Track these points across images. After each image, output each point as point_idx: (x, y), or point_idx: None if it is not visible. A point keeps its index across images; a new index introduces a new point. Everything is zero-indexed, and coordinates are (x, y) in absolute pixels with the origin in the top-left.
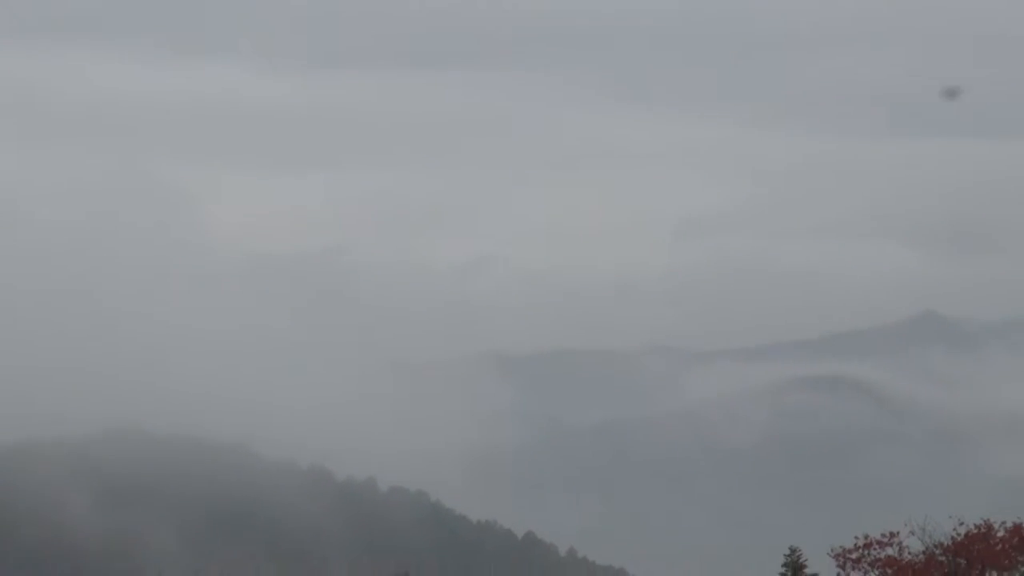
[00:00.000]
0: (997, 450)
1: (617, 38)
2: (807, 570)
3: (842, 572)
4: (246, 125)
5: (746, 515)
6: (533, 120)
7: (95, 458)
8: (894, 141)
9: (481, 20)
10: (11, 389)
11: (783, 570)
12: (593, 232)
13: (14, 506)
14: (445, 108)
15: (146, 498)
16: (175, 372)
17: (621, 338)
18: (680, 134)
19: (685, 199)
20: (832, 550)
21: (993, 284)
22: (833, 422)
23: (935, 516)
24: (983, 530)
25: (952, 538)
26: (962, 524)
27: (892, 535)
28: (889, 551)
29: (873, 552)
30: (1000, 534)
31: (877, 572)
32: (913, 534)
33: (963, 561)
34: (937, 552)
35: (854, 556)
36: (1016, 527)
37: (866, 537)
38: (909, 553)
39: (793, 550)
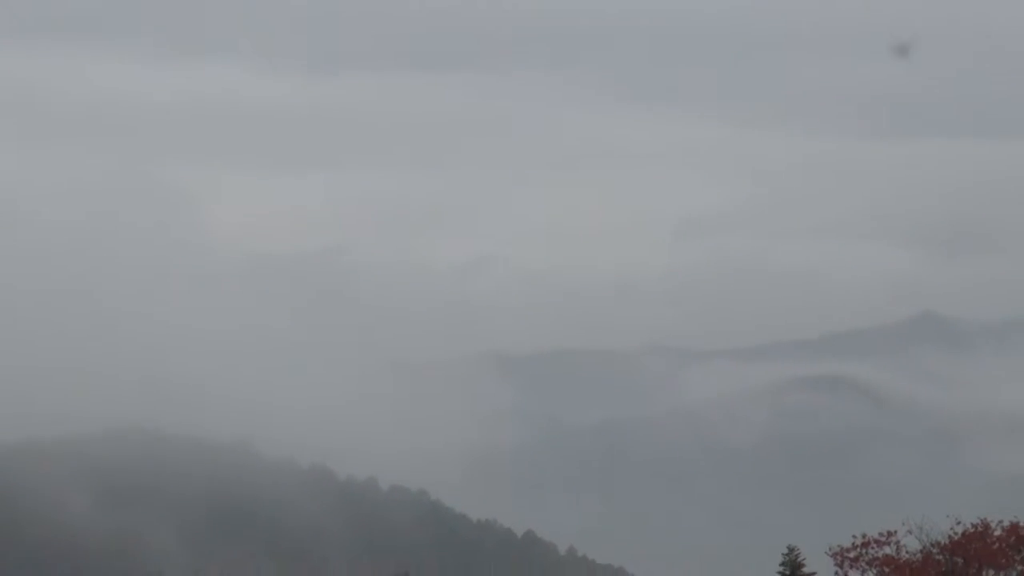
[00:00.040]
0: (994, 449)
1: (617, 38)
2: (805, 569)
3: (840, 571)
4: (246, 125)
5: (745, 514)
6: (533, 120)
7: (96, 457)
8: (893, 141)
9: (481, 20)
10: (12, 389)
11: (781, 569)
12: (593, 232)
13: (15, 505)
14: (445, 108)
15: (147, 497)
16: (175, 372)
17: (621, 338)
18: (680, 134)
19: (685, 199)
20: (830, 549)
21: (991, 284)
22: (832, 422)
23: (932, 515)
24: (980, 529)
25: (949, 537)
26: (959, 523)
27: (890, 534)
28: (887, 550)
29: (871, 551)
30: (997, 533)
31: (875, 571)
32: (911, 533)
33: (960, 560)
34: (934, 551)
35: (852, 555)
36: (1013, 526)
37: (864, 536)
38: (906, 552)
39: (791, 549)
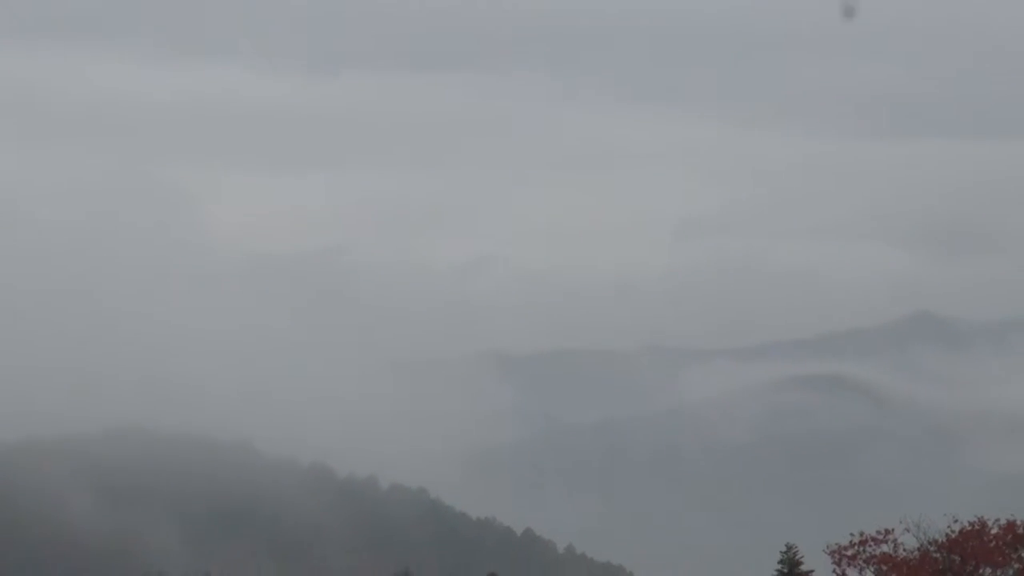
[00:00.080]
0: (991, 448)
1: (617, 38)
2: (803, 567)
3: (837, 569)
4: (246, 125)
5: (743, 513)
6: (533, 120)
7: (96, 457)
8: (893, 141)
9: (481, 21)
10: (12, 388)
11: (779, 567)
12: (593, 232)
13: (16, 505)
14: (445, 108)
15: (147, 496)
16: (176, 371)
17: (620, 338)
18: (680, 134)
19: (685, 199)
20: (827, 547)
21: (990, 284)
22: (830, 421)
23: (930, 514)
24: (977, 527)
25: (946, 535)
26: (956, 521)
27: (887, 532)
28: (884, 548)
29: (868, 549)
30: (994, 531)
31: (872, 569)
32: (908, 531)
33: (957, 558)
34: (931, 549)
35: (849, 553)
36: (1010, 524)
37: (861, 534)
38: (904, 550)
39: (789, 547)
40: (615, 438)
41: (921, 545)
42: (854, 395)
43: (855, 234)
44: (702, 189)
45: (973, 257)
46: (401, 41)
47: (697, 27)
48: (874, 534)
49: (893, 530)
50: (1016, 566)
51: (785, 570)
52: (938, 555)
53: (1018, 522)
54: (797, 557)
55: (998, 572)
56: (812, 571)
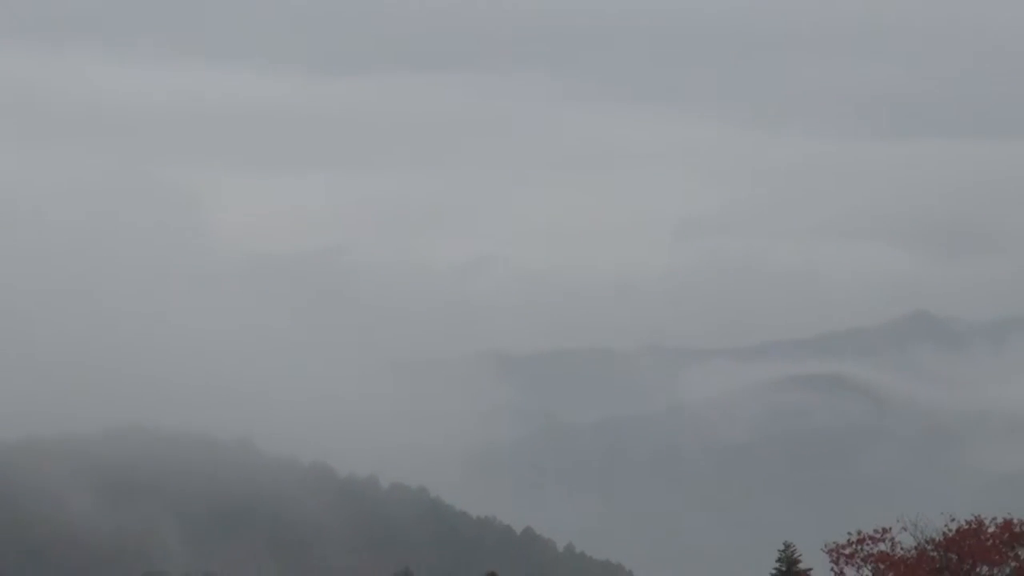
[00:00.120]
0: (987, 447)
1: (617, 38)
2: (801, 565)
3: (835, 567)
4: (246, 125)
5: (742, 512)
6: (533, 120)
7: (97, 456)
8: (893, 141)
9: (481, 21)
10: (14, 388)
11: (777, 565)
12: (593, 232)
13: (16, 504)
14: (445, 108)
15: (148, 495)
16: (177, 370)
17: (620, 337)
18: (680, 134)
19: (685, 199)
20: (825, 545)
21: (988, 284)
22: (829, 420)
23: (927, 512)
24: (974, 526)
25: (944, 534)
26: (953, 520)
27: (884, 531)
28: (881, 547)
29: (866, 548)
30: (991, 530)
31: (870, 567)
32: (905, 530)
33: (954, 556)
34: (929, 548)
35: (847, 551)
36: (1007, 523)
37: (859, 533)
38: (901, 548)
39: (787, 545)
40: (615, 437)
41: (918, 544)
42: (853, 395)
43: (855, 234)
44: (702, 189)
45: (972, 257)
46: (401, 41)
47: (697, 27)
48: (871, 533)
49: (890, 529)
50: (1013, 564)
51: (783, 568)
52: (935, 554)
53: (1015, 521)
54: (795, 556)
55: (995, 571)
56: (810, 569)
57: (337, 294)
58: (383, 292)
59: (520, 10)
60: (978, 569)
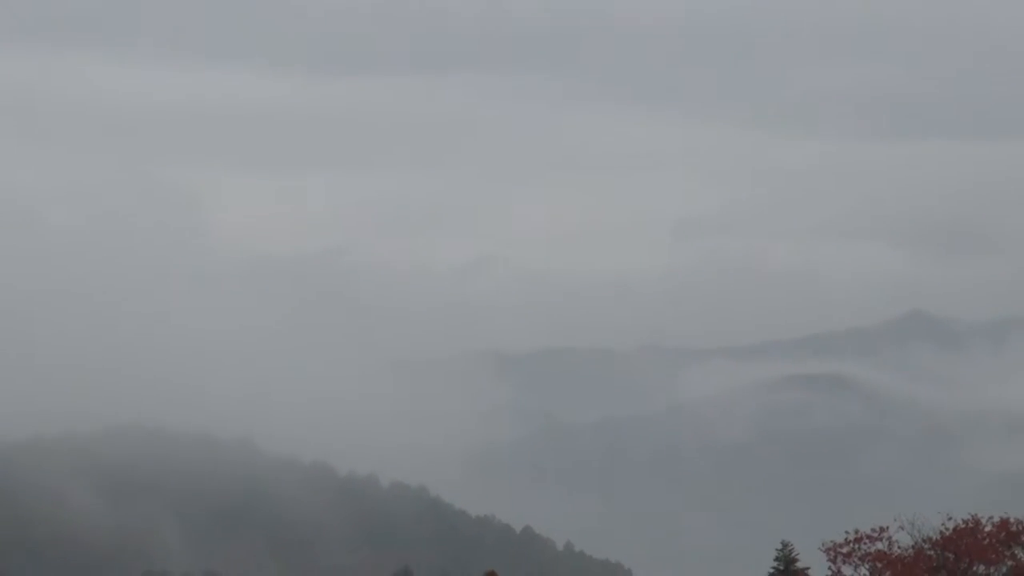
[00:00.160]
0: (984, 447)
1: (617, 38)
2: (799, 564)
3: (833, 566)
4: (247, 127)
5: (741, 511)
6: (533, 120)
7: (98, 455)
8: (893, 142)
9: (481, 21)
10: (15, 387)
11: (775, 564)
12: (593, 232)
13: (19, 503)
14: (445, 109)
15: (149, 493)
16: (177, 370)
17: (619, 337)
18: (680, 135)
19: (684, 200)
20: (823, 544)
21: (986, 284)
22: (827, 420)
23: (926, 512)
24: (971, 525)
25: (941, 533)
26: (950, 519)
27: (882, 530)
28: (879, 545)
29: (863, 546)
30: (988, 529)
31: (867, 566)
32: (903, 529)
33: (951, 555)
34: (926, 546)
35: (845, 550)
36: (1003, 522)
37: (856, 532)
38: (898, 547)
39: (785, 544)
40: (614, 437)
41: (915, 543)
42: (851, 394)
43: (854, 234)
44: (702, 189)
45: (971, 257)
46: (401, 42)
47: (697, 27)
48: (869, 532)
49: (888, 528)
50: (1009, 563)
51: (781, 567)
52: (932, 553)
53: (1012, 520)
54: (792, 554)
55: (991, 569)
56: (808, 568)
57: (337, 294)
58: (383, 292)
59: (520, 10)
60: (975, 568)
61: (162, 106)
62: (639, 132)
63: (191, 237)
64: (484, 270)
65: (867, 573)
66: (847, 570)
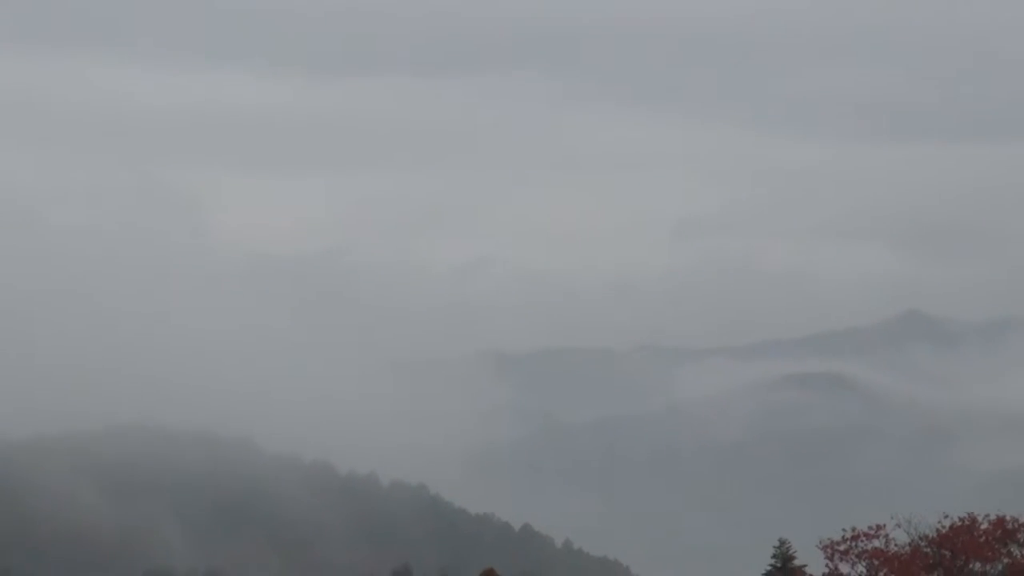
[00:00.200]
0: (980, 446)
1: (617, 38)
2: (796, 561)
3: (830, 563)
4: (247, 128)
5: (739, 510)
6: (533, 121)
7: (100, 454)
8: (892, 144)
9: (480, 22)
10: (17, 387)
11: (772, 561)
12: (592, 232)
13: (21, 502)
14: (445, 109)
15: (150, 492)
16: (178, 370)
17: (618, 337)
18: (680, 135)
19: (683, 200)
20: (820, 542)
21: (977, 285)
22: (824, 419)
23: (922, 510)
24: (967, 523)
25: (937, 531)
26: (947, 517)
27: (879, 528)
28: (876, 543)
29: (860, 544)
30: (983, 527)
31: (864, 563)
32: (899, 527)
33: (947, 553)
34: (922, 544)
35: (842, 548)
36: (999, 520)
37: (854, 530)
38: (895, 545)
39: (782, 542)
40: (613, 436)
41: (912, 540)
42: (849, 394)
43: (852, 235)
44: (702, 189)
45: (967, 258)
46: (401, 43)
47: (697, 28)
48: (866, 530)
49: (884, 526)
50: (1005, 561)
51: (778, 564)
52: (929, 550)
53: (1008, 518)
54: (790, 552)
55: (987, 567)
56: (805, 565)
57: (337, 295)
58: (383, 292)
59: (520, 10)
60: (971, 565)
61: (162, 107)
62: (639, 132)
63: (191, 237)
64: (484, 270)
65: (864, 571)
66: (844, 567)
